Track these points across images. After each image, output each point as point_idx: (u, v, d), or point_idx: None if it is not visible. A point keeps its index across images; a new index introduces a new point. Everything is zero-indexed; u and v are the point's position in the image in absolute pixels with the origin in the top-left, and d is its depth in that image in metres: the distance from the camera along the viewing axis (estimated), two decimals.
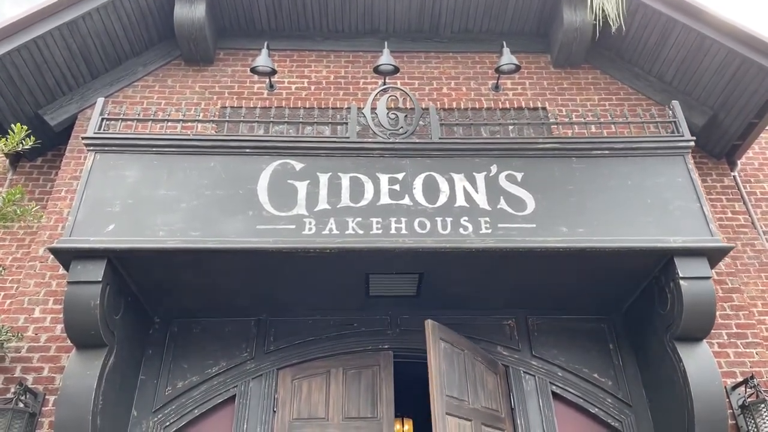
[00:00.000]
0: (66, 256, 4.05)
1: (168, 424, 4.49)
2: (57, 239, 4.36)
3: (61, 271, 4.64)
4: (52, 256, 4.55)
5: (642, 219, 4.35)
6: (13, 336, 4.42)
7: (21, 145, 4.29)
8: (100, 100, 4.74)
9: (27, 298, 4.79)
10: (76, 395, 3.87)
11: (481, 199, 4.48)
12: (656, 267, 4.38)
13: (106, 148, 4.49)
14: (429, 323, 4.22)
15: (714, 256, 4.29)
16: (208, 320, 4.91)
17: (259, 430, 4.50)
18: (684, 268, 4.18)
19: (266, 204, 4.35)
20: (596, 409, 4.67)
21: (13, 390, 4.21)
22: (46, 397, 4.38)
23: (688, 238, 4.25)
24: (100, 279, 3.97)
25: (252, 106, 5.98)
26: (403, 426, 7.60)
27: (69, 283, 3.99)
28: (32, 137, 4.39)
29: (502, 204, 4.46)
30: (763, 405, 4.25)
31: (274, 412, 4.61)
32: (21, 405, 4.14)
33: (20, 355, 4.52)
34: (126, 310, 4.36)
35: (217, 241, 4.15)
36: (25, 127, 4.33)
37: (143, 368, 4.68)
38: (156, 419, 4.49)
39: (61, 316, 4.15)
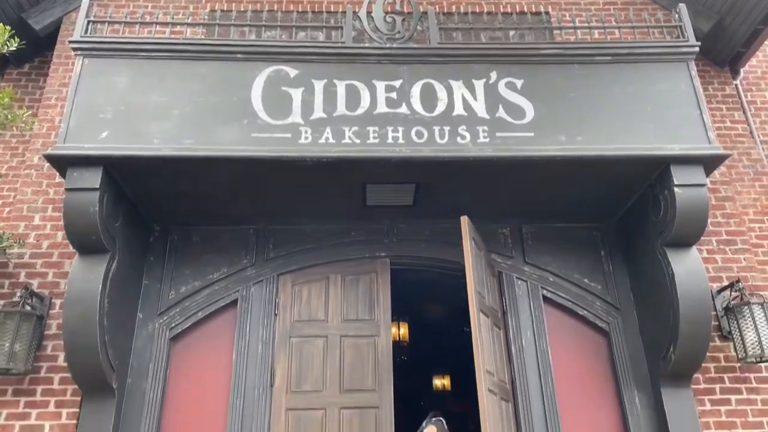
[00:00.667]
0: (62, 163, 4.03)
1: (173, 325, 4.66)
2: (52, 147, 4.32)
3: (58, 179, 4.64)
4: (47, 165, 4.53)
5: (641, 126, 4.32)
6: (15, 242, 4.48)
7: (6, 46, 4.15)
8: (85, 2, 4.54)
9: (26, 206, 4.81)
10: (82, 298, 3.98)
11: (479, 107, 4.41)
12: (653, 175, 4.39)
13: (94, 53, 4.35)
14: (464, 220, 4.26)
15: (710, 163, 4.30)
16: (207, 229, 4.98)
17: (262, 330, 4.68)
18: (680, 175, 4.20)
19: (260, 112, 4.28)
20: (585, 312, 4.86)
21: (19, 294, 4.32)
22: (53, 300, 4.51)
23: (685, 145, 4.24)
24: (98, 186, 3.97)
25: (242, 9, 5.75)
26: (399, 329, 7.92)
27: (67, 190, 4.00)
28: (16, 38, 4.23)
29: (501, 112, 4.40)
30: (746, 307, 4.42)
31: (276, 315, 4.78)
32: (28, 308, 4.27)
33: (23, 261, 4.61)
34: (125, 217, 4.40)
35: (211, 149, 4.12)
36: (8, 27, 4.17)
37: (146, 274, 4.79)
38: (161, 321, 4.66)
39: (61, 223, 4.19)
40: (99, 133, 4.11)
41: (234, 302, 4.78)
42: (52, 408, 4.26)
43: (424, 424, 3.96)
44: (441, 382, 9.94)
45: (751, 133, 5.70)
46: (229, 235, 4.98)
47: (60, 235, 4.64)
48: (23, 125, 4.41)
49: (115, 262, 4.20)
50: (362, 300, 4.92)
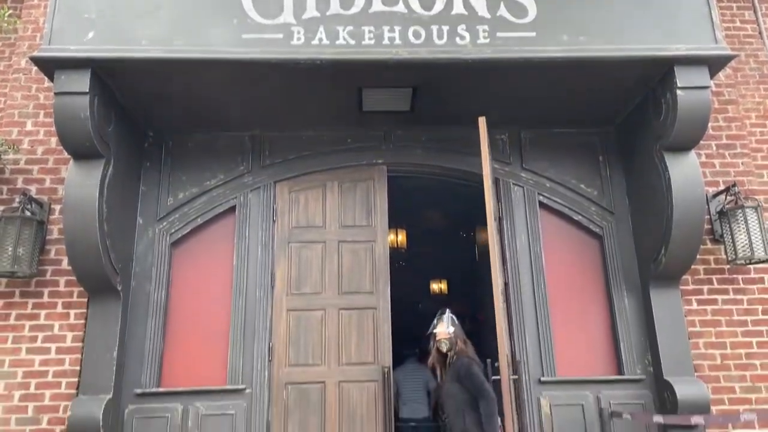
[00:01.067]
0: (48, 66, 3.93)
1: (173, 231, 4.72)
2: (37, 49, 4.19)
3: (47, 83, 4.53)
4: (35, 69, 4.42)
5: (647, 25, 4.16)
6: (9, 148, 4.45)
7: None
8: None
9: (17, 111, 4.74)
10: (80, 204, 4.01)
11: (480, 5, 4.23)
12: (656, 77, 4.28)
13: None
14: (482, 121, 4.21)
15: (716, 64, 4.18)
16: (201, 135, 4.93)
17: (261, 235, 4.76)
18: (683, 77, 4.09)
19: (250, 11, 4.12)
20: (580, 217, 4.91)
21: (18, 200, 4.35)
22: (52, 206, 4.55)
23: (691, 45, 4.10)
24: (87, 90, 3.89)
25: None
26: (397, 236, 8.04)
27: (56, 94, 3.93)
28: None
29: (502, 11, 4.23)
30: (740, 211, 4.45)
31: (274, 221, 4.83)
32: (28, 213, 4.31)
33: (19, 167, 4.60)
34: (117, 122, 4.34)
35: (201, 51, 4.00)
36: None
37: (143, 180, 4.80)
38: (161, 227, 4.72)
39: (54, 129, 4.14)
40: (84, 34, 3.97)
41: (232, 209, 4.82)
42: (60, 309, 4.41)
43: (435, 321, 4.11)
44: (438, 287, 10.23)
45: (760, 33, 5.49)
46: (224, 142, 4.93)
47: (54, 141, 4.61)
48: (6, 25, 4.24)
49: (110, 167, 4.19)
50: (359, 206, 4.96)
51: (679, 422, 4.01)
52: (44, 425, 4.18)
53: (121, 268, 4.37)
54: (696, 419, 3.73)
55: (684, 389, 4.20)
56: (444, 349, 3.99)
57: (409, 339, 8.20)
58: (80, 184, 4.06)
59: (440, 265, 9.87)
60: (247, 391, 4.41)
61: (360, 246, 4.87)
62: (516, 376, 4.33)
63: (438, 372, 4.16)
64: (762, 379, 4.47)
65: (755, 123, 5.18)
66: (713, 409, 4.29)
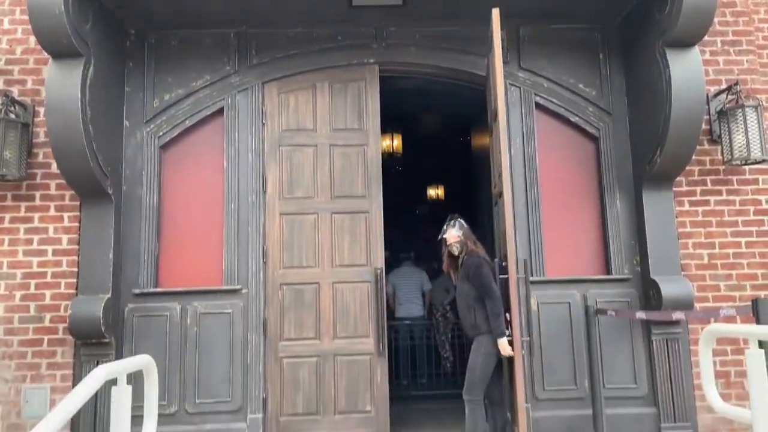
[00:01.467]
0: None
1: (161, 134, 4.65)
2: None
3: None
4: None
5: None
6: None
7: None
8: None
9: None
10: (63, 105, 3.92)
11: None
12: None
13: None
14: (496, 12, 4.00)
15: None
16: (185, 32, 4.73)
17: (250, 139, 4.69)
18: None
19: None
20: (577, 118, 4.81)
21: (0, 102, 4.24)
22: (36, 108, 4.46)
23: None
24: None
25: None
26: (392, 141, 7.95)
27: None
28: None
29: None
30: (740, 110, 4.34)
31: (264, 123, 4.74)
32: (12, 116, 4.22)
33: None
34: (95, 19, 4.15)
35: None
36: None
37: (127, 81, 4.67)
38: (149, 129, 4.64)
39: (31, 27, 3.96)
40: None
41: (220, 111, 4.72)
42: (53, 212, 4.44)
43: (444, 227, 4.13)
44: (435, 192, 10.26)
45: None
46: (209, 40, 4.74)
47: (32, 40, 4.42)
48: None
49: (91, 67, 4.05)
50: (351, 109, 4.84)
51: (661, 318, 4.13)
52: (47, 323, 4.34)
53: (110, 171, 4.34)
54: (677, 315, 3.83)
55: (669, 287, 4.29)
56: (455, 252, 4.03)
57: (406, 243, 8.38)
58: (61, 84, 3.94)
59: (437, 171, 9.85)
60: (243, 291, 4.52)
61: (352, 150, 4.80)
62: (524, 276, 4.40)
63: (452, 276, 4.20)
64: (748, 278, 4.56)
65: (763, 18, 4.92)
66: (697, 306, 4.41)
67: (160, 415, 4.26)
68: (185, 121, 4.68)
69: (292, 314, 4.56)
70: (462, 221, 4.11)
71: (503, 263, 4.00)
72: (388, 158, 8.03)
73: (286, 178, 4.71)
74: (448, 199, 10.07)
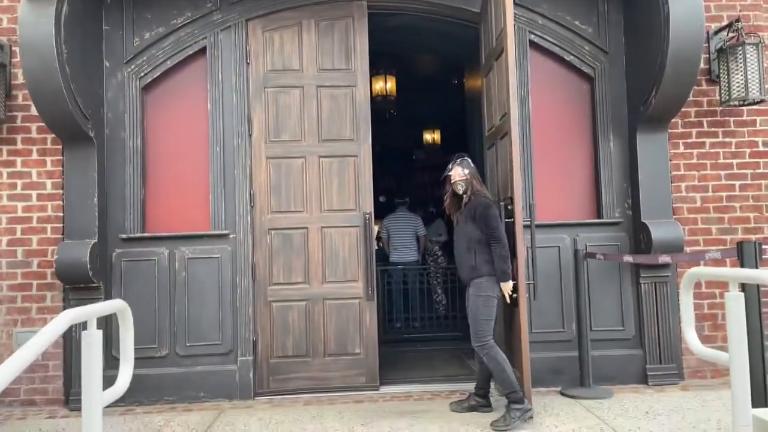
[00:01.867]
0: None
1: (143, 74, 4.51)
2: None
3: None
4: None
5: None
6: None
7: None
8: None
9: None
10: (37, 44, 3.79)
11: None
12: None
13: None
14: None
15: None
16: None
17: (234, 79, 4.55)
18: None
19: None
20: (572, 57, 4.65)
21: None
22: (13, 48, 4.32)
23: None
24: None
25: None
26: (386, 83, 7.75)
27: None
28: None
29: None
30: (740, 48, 4.19)
31: (248, 63, 4.59)
32: None
33: None
34: None
35: None
36: None
37: (105, 19, 4.49)
38: (130, 70, 4.50)
39: None
40: None
41: (203, 50, 4.56)
42: (35, 156, 4.37)
43: (450, 165, 3.95)
44: (431, 137, 10.11)
45: None
46: None
47: None
48: None
49: (65, 3, 3.88)
50: (338, 48, 4.68)
51: (648, 261, 4.11)
52: (35, 268, 4.34)
53: (91, 113, 4.23)
54: (663, 258, 3.80)
55: (659, 231, 4.25)
56: (460, 191, 3.86)
57: (402, 190, 8.32)
58: (34, 22, 3.80)
59: (432, 115, 9.67)
60: (231, 236, 4.49)
61: (340, 91, 4.67)
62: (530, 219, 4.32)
63: (453, 216, 4.00)
64: (740, 221, 4.52)
65: None
66: (687, 250, 4.38)
67: (151, 358, 4.39)
68: (167, 62, 4.53)
69: (281, 259, 4.55)
70: (469, 160, 3.94)
71: (509, 207, 3.88)
72: (381, 101, 7.88)
73: (272, 120, 4.60)
74: (445, 142, 9.94)
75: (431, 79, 8.21)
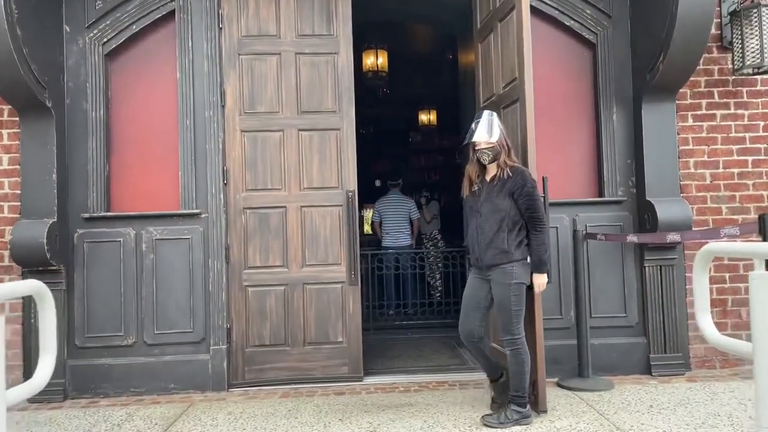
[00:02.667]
0: None
1: (106, 40, 4.16)
2: None
3: None
4: None
5: None
6: None
7: None
8: None
9: None
10: None
11: None
12: None
13: None
14: None
15: None
16: None
17: (206, 46, 4.20)
18: None
19: None
20: (572, 22, 4.29)
21: None
22: None
23: None
24: None
25: None
26: (377, 58, 7.37)
27: None
28: None
29: None
30: (755, 10, 3.83)
31: (221, 28, 4.24)
32: None
33: None
34: None
35: None
36: None
37: None
38: (92, 35, 4.15)
39: None
40: None
41: (171, 14, 4.20)
42: None
43: (473, 126, 3.21)
44: (427, 117, 9.72)
45: None
46: None
47: None
48: None
49: None
50: (318, 12, 4.32)
51: (654, 241, 3.78)
52: None
53: (49, 82, 3.89)
54: (672, 236, 3.47)
55: (665, 210, 3.92)
56: (486, 160, 3.22)
57: (398, 172, 7.96)
58: None
59: (427, 94, 9.28)
60: (203, 215, 4.16)
61: (320, 59, 4.31)
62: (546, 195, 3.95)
63: (470, 186, 3.36)
64: (752, 200, 4.19)
65: None
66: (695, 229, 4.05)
67: (117, 347, 4.08)
68: (132, 26, 4.17)
69: (257, 240, 4.22)
70: (495, 118, 3.27)
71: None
72: (373, 77, 7.51)
73: (246, 90, 4.25)
74: (441, 123, 9.57)
75: (425, 56, 7.82)
